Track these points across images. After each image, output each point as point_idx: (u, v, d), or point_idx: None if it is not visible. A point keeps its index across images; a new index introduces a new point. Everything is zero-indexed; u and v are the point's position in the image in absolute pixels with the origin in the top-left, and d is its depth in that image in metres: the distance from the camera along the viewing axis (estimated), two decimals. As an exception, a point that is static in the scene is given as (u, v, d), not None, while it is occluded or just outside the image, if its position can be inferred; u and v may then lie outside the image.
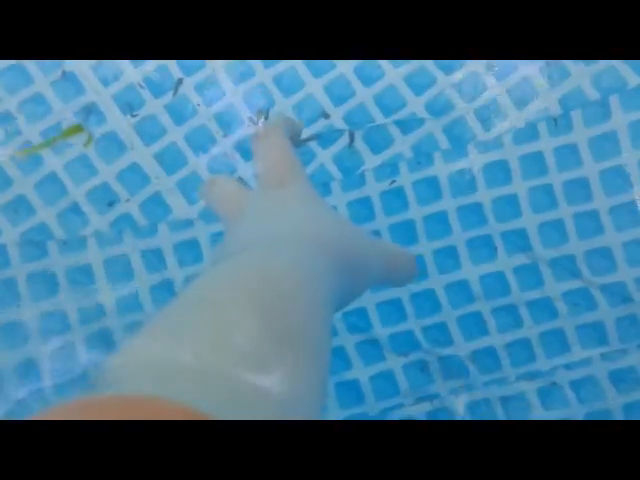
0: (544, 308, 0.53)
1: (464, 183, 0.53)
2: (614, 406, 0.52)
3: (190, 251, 0.54)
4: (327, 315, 0.26)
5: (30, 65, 0.53)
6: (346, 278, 0.29)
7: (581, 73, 0.53)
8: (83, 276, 0.54)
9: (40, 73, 0.53)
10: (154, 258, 0.54)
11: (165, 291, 0.54)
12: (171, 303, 0.23)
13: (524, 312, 0.53)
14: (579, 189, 0.53)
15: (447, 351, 0.53)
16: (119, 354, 0.20)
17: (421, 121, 0.53)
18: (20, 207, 0.53)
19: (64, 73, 0.53)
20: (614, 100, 0.52)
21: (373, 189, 0.53)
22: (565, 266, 0.53)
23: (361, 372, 0.53)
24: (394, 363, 0.53)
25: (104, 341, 0.53)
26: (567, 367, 0.53)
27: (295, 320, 0.23)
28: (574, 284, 0.52)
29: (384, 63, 0.54)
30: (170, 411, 0.17)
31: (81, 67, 0.53)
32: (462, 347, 0.53)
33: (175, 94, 0.54)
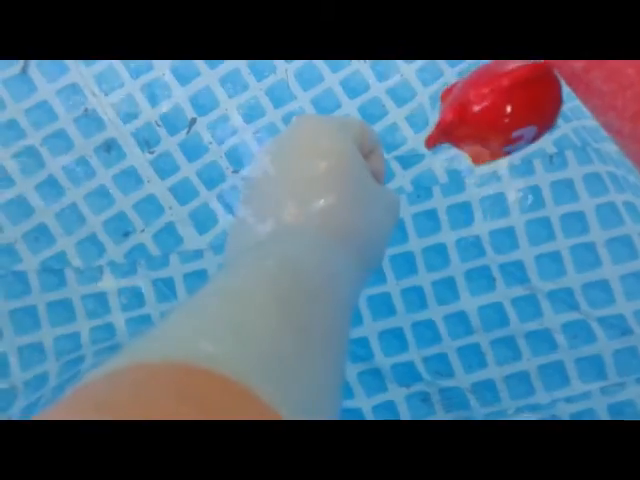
0: (543, 340, 0.53)
1: (462, 216, 0.55)
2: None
3: (199, 281, 0.57)
4: (348, 311, 0.27)
5: (55, 102, 0.57)
6: (366, 264, 0.30)
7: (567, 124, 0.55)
8: (98, 303, 0.56)
9: (63, 110, 0.57)
10: (165, 287, 0.56)
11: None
12: (200, 291, 0.24)
13: (522, 344, 0.53)
14: (576, 222, 0.54)
15: (448, 383, 0.54)
16: (149, 335, 0.21)
17: (421, 157, 0.56)
18: (41, 235, 0.57)
19: (86, 110, 0.57)
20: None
21: (374, 221, 0.55)
22: (563, 298, 0.53)
23: (364, 402, 0.54)
24: (396, 394, 0.54)
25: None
26: (567, 400, 0.52)
27: (317, 317, 0.24)
28: (572, 316, 0.53)
29: (387, 102, 0.57)
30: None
31: (102, 105, 0.57)
32: (462, 379, 0.53)
33: (189, 132, 0.58)
